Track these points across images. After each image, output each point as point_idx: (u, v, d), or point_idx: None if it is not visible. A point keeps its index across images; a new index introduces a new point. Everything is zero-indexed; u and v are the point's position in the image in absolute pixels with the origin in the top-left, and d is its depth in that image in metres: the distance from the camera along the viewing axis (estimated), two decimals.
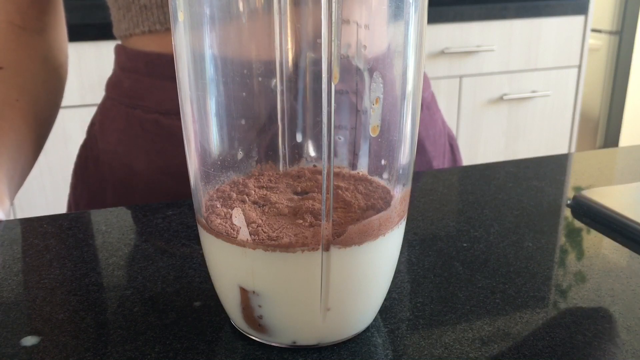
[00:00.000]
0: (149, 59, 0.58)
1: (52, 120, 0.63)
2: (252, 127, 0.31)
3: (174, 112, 0.57)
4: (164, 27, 0.56)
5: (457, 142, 0.76)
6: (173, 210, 0.48)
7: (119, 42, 0.63)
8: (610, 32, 2.62)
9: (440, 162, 0.68)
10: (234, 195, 0.32)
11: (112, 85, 0.63)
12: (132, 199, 0.59)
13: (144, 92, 0.58)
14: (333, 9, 0.26)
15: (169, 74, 0.56)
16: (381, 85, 0.29)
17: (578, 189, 0.54)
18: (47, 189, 1.60)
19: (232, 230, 0.29)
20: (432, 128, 0.67)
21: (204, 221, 0.31)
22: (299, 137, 0.33)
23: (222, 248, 0.30)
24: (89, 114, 0.68)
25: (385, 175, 0.33)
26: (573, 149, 2.14)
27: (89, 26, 1.49)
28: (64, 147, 1.53)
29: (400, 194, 0.32)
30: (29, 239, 0.44)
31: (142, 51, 0.58)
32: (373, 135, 0.30)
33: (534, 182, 0.55)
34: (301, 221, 0.30)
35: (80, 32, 1.48)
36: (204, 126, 0.31)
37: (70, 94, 1.49)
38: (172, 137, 0.58)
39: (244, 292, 0.30)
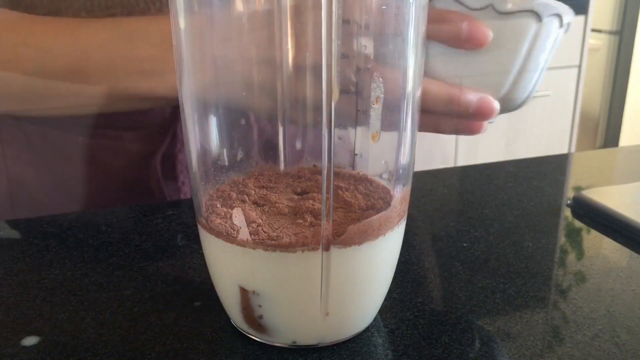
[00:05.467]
0: None
1: None
2: (252, 127, 0.32)
3: (61, 125, 0.55)
4: None
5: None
6: (173, 210, 0.48)
7: None
8: (610, 32, 2.62)
9: None
10: (234, 195, 0.32)
11: None
12: (17, 214, 0.57)
13: None
14: (333, 9, 0.26)
15: None
16: (381, 85, 0.29)
17: (578, 189, 0.54)
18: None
19: (232, 230, 0.29)
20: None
21: (204, 221, 0.31)
22: (299, 137, 0.33)
23: (222, 248, 0.30)
24: None
25: (385, 175, 0.33)
26: (573, 149, 2.14)
27: None
28: None
29: (400, 194, 0.32)
30: (29, 239, 0.44)
31: None
32: (372, 142, 0.30)
33: (534, 182, 0.55)
34: (301, 221, 0.30)
35: None
36: (204, 126, 0.31)
37: None
38: (60, 150, 0.56)
39: (244, 292, 0.30)
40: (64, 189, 0.57)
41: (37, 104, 0.48)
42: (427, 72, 0.38)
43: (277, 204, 0.31)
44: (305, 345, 0.32)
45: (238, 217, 0.30)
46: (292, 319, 0.31)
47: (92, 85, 0.45)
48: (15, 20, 0.45)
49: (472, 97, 0.38)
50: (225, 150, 0.31)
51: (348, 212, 0.31)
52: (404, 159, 0.31)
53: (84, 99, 0.46)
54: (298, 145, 0.33)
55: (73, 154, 0.56)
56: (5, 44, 0.44)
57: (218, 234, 0.30)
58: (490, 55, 0.37)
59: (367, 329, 0.33)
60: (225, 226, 0.30)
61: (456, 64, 0.38)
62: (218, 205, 0.31)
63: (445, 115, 0.39)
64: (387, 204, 0.31)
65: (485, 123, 0.40)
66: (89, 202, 0.56)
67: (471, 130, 0.40)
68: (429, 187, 0.54)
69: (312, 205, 0.30)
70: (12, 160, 0.57)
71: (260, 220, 0.30)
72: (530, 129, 2.04)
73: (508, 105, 0.40)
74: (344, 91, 0.29)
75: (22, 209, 0.58)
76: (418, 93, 0.31)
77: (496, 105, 0.38)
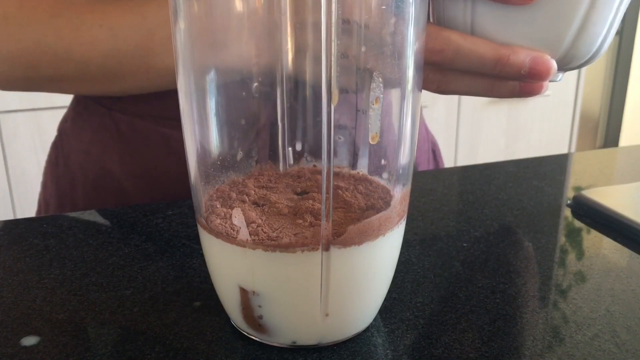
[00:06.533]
0: None
1: None
2: (252, 127, 0.31)
3: (149, 115, 0.56)
4: None
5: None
6: (173, 210, 0.48)
7: None
8: None
9: (424, 168, 0.68)
10: (234, 195, 0.32)
11: None
12: (103, 201, 0.58)
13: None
14: (333, 9, 0.26)
15: None
16: (381, 85, 0.29)
17: (578, 189, 0.54)
18: None
19: (231, 230, 0.29)
20: (417, 135, 0.67)
21: (203, 221, 0.31)
22: (299, 137, 0.33)
23: (222, 248, 0.30)
24: None
25: (385, 175, 0.33)
26: (573, 149, 2.14)
27: None
28: None
29: (400, 194, 0.32)
30: (29, 239, 0.44)
31: None
32: (372, 143, 0.30)
33: (534, 182, 0.55)
34: (301, 221, 0.30)
35: None
36: (204, 126, 0.31)
37: None
38: (146, 140, 0.57)
39: (244, 292, 0.30)
40: (148, 179, 0.57)
41: (113, 84, 0.49)
42: (474, 32, 0.35)
43: (276, 204, 0.31)
44: (305, 345, 0.32)
45: (238, 217, 0.30)
46: (292, 319, 0.31)
47: (159, 62, 0.45)
48: (90, 2, 0.46)
49: (523, 56, 0.34)
50: (224, 150, 0.31)
51: (348, 212, 0.31)
52: (403, 158, 0.31)
53: (153, 76, 0.46)
54: (298, 145, 0.33)
55: (158, 145, 0.57)
56: (82, 25, 0.45)
57: (218, 234, 0.30)
58: (544, 9, 0.33)
59: (367, 329, 0.33)
60: (225, 226, 0.30)
61: (506, 21, 0.34)
62: (218, 206, 0.31)
63: (498, 78, 0.36)
64: (387, 204, 0.31)
65: (545, 83, 0.36)
66: (171, 194, 0.57)
67: (529, 92, 0.37)
68: (429, 187, 0.54)
69: (312, 205, 0.30)
70: (101, 148, 0.58)
71: (260, 221, 0.30)
72: (530, 129, 2.04)
73: (571, 63, 0.36)
74: (343, 91, 0.29)
75: (108, 197, 0.59)
76: (418, 92, 0.31)
77: (553, 64, 0.35)
